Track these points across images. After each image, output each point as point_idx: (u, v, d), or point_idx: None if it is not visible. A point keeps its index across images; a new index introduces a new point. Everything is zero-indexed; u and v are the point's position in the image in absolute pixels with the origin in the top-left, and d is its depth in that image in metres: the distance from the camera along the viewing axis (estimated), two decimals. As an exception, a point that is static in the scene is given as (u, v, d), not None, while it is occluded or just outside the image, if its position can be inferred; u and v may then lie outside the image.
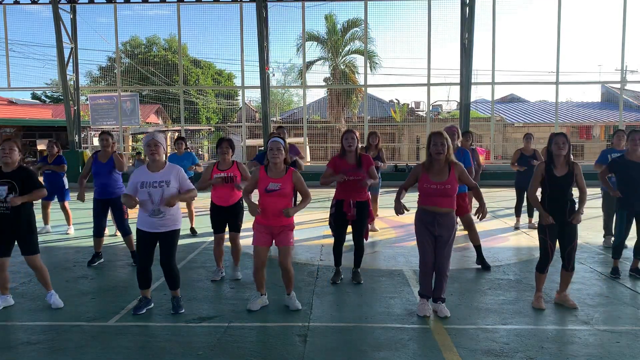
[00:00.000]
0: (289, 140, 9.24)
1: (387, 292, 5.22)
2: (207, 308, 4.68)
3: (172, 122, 28.26)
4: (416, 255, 6.78)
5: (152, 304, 4.71)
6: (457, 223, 7.01)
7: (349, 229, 5.49)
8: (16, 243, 4.70)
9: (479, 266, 6.08)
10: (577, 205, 4.58)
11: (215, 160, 5.73)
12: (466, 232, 6.28)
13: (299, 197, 5.26)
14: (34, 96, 35.55)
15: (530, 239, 7.87)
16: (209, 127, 29.67)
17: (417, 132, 24.46)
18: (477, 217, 4.58)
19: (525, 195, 8.63)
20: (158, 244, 4.54)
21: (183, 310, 4.58)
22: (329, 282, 5.48)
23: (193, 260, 6.63)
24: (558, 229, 4.58)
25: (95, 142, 24.18)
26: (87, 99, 20.59)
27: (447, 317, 4.37)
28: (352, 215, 5.29)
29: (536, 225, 8.41)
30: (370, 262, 6.38)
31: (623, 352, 3.71)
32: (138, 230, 4.53)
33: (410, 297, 4.98)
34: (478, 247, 6.12)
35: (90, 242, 7.42)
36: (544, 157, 8.74)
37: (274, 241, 4.61)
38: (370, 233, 7.02)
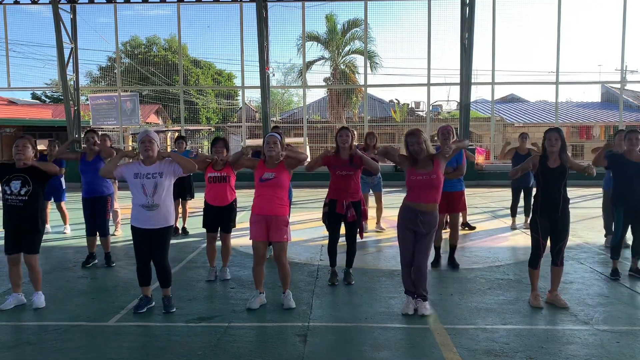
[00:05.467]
0: (290, 140, 9.24)
1: (387, 292, 5.22)
2: (207, 308, 4.68)
3: (172, 122, 28.28)
4: (416, 255, 6.82)
5: (153, 303, 4.71)
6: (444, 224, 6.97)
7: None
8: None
9: (478, 265, 6.09)
10: (569, 203, 4.68)
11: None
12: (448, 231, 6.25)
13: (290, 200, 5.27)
14: (34, 96, 35.54)
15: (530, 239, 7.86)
16: (209, 127, 29.66)
17: (417, 132, 24.41)
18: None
19: (520, 196, 8.64)
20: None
21: (174, 310, 4.59)
22: (328, 283, 5.47)
23: (193, 260, 6.63)
24: (550, 226, 4.66)
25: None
26: (87, 99, 20.60)
27: (424, 316, 4.35)
28: (352, 216, 5.30)
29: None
30: (370, 262, 6.38)
31: (623, 352, 3.71)
32: (132, 227, 4.56)
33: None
34: (453, 247, 6.11)
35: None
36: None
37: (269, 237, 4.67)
38: (366, 233, 7.01)
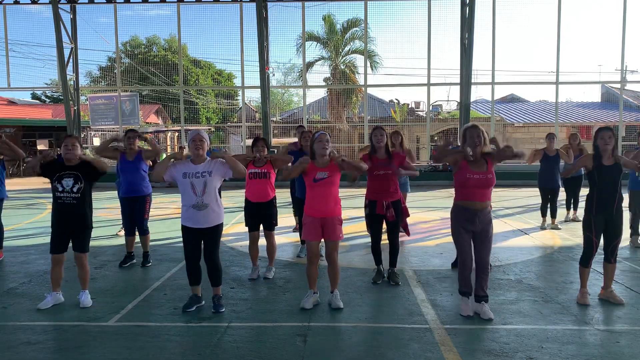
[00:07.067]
0: (290, 140, 9.22)
1: (387, 292, 5.22)
2: (207, 308, 4.68)
3: (172, 122, 28.27)
4: (416, 256, 6.83)
5: (203, 302, 4.71)
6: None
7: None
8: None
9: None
10: (624, 202, 4.73)
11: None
12: None
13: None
14: (34, 96, 35.57)
15: (531, 239, 7.87)
16: (209, 127, 29.65)
17: (417, 132, 24.45)
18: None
19: (549, 196, 8.71)
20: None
21: (224, 310, 4.59)
22: (371, 282, 5.47)
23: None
24: (605, 225, 4.66)
25: (96, 142, 24.19)
26: (87, 99, 20.59)
27: (491, 320, 4.31)
28: (392, 216, 5.33)
29: (579, 219, 8.55)
30: (371, 262, 6.37)
31: (623, 352, 3.71)
32: (183, 227, 4.55)
33: (410, 296, 4.98)
34: None
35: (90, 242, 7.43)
36: (570, 154, 8.84)
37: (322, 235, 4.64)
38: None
